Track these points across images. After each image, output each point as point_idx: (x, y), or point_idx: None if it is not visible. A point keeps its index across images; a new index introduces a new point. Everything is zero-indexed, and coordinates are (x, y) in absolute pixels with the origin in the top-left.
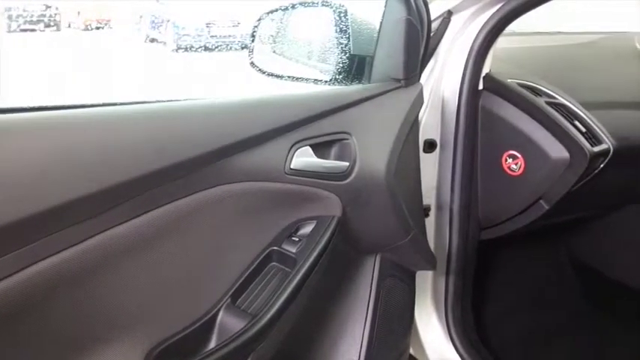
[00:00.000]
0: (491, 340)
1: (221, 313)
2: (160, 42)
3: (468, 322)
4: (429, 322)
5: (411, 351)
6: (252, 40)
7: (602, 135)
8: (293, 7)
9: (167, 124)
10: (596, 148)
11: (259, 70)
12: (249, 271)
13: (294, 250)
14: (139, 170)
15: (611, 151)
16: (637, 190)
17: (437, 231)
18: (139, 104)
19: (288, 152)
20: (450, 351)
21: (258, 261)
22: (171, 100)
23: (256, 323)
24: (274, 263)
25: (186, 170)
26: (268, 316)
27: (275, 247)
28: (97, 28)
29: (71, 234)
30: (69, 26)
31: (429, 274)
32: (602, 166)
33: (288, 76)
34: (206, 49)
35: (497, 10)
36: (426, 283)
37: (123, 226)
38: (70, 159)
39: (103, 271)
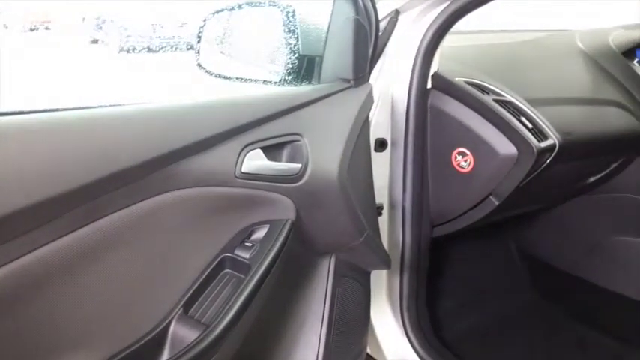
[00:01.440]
0: (447, 335)
1: (173, 324)
2: (104, 43)
3: (423, 318)
4: (385, 321)
5: (369, 350)
6: (199, 41)
7: (548, 131)
8: (239, 7)
9: (111, 130)
10: (543, 144)
11: (207, 71)
12: (202, 279)
13: (247, 256)
14: (82, 179)
15: (557, 146)
16: (581, 183)
17: (390, 229)
18: (80, 109)
19: (239, 156)
20: (406, 348)
21: (210, 268)
22: (116, 105)
23: (210, 333)
24: (227, 270)
25: (133, 177)
26: (222, 325)
27: (228, 254)
28: (33, 30)
29: (9, 249)
30: (6, 27)
31: (384, 272)
32: (548, 161)
33: (237, 77)
34: (151, 50)
35: (444, 10)
36: (381, 282)
37: (67, 238)
38: (6, 170)
39: (46, 286)
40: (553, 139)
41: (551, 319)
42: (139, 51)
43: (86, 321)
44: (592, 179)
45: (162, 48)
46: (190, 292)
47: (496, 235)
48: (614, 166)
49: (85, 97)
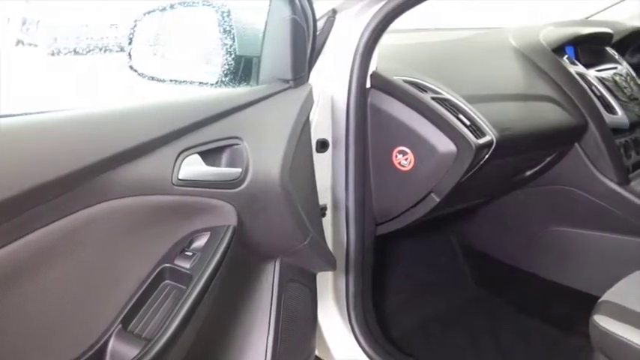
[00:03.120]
0: (394, 331)
1: (112, 341)
2: (31, 45)
3: (370, 316)
4: (332, 322)
5: (317, 352)
6: (130, 43)
7: (486, 127)
8: (172, 7)
9: (39, 138)
10: (481, 140)
11: (140, 74)
12: (141, 292)
13: (188, 266)
14: (8, 192)
15: (494, 142)
16: (518, 176)
17: (334, 230)
18: (3, 117)
19: (175, 162)
20: (354, 348)
21: (149, 280)
22: (41, 112)
23: (151, 348)
24: (167, 281)
25: (64, 188)
26: (164, 339)
27: (167, 264)
28: None
29: None
30: None
31: (330, 273)
32: (486, 156)
33: (172, 80)
34: (82, 51)
35: (380, 9)
36: (326, 283)
37: None
38: None
39: None
40: (490, 135)
41: (493, 310)
42: (67, 53)
43: (19, 340)
44: (528, 173)
45: (91, 50)
46: (129, 306)
47: (438, 230)
48: (548, 159)
49: (7, 104)
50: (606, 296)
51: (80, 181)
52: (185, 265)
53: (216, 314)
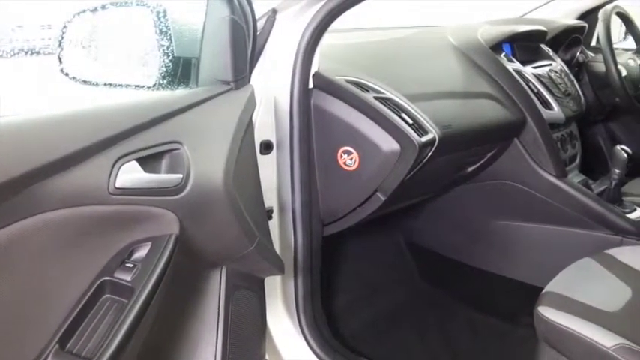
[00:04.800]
0: (344, 331)
1: None
2: None
3: (319, 318)
4: (282, 325)
5: (267, 357)
6: (60, 45)
7: (428, 125)
8: (103, 7)
9: None
10: (424, 138)
11: (72, 77)
12: (79, 308)
13: (129, 278)
14: None
15: (437, 139)
16: (461, 172)
17: (281, 233)
18: None
19: (112, 170)
20: (304, 350)
21: (88, 295)
22: None
23: None
24: (108, 295)
25: None
26: (106, 356)
27: (107, 277)
28: None
29: None
30: None
31: (278, 277)
32: (430, 154)
33: (106, 83)
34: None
35: (321, 8)
36: (275, 287)
37: None
38: None
39: None
40: (433, 133)
41: (441, 305)
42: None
43: None
44: (470, 169)
45: (17, 53)
46: (67, 323)
47: (384, 228)
48: (489, 155)
49: None
50: (549, 287)
51: (7, 194)
52: (126, 277)
53: (160, 327)
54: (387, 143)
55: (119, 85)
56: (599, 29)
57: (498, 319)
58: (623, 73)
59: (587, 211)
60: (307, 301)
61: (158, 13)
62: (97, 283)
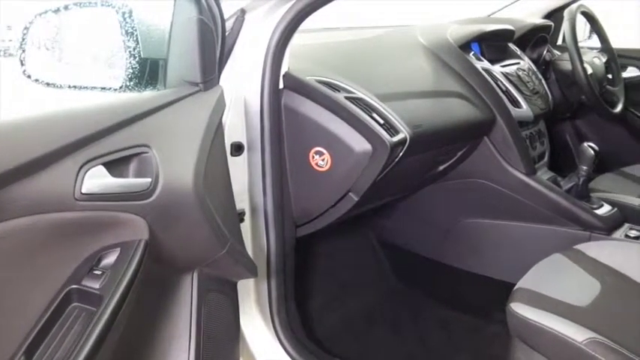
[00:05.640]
0: (318, 332)
1: None
2: None
3: (293, 320)
4: (256, 328)
5: None
6: (22, 47)
7: (399, 125)
8: (66, 8)
9: None
10: (395, 138)
11: (35, 80)
12: (46, 318)
13: (97, 286)
14: None
15: (408, 139)
16: (432, 171)
17: (253, 235)
18: None
19: (77, 175)
20: (279, 353)
21: (55, 305)
22: None
23: None
24: (75, 304)
25: None
26: None
27: (74, 285)
28: None
29: None
30: None
31: (251, 280)
32: (401, 154)
33: (71, 86)
34: None
35: (290, 8)
36: (248, 290)
37: None
38: None
39: None
40: (404, 132)
41: (414, 303)
42: None
43: None
44: (441, 167)
45: None
46: (33, 334)
47: (357, 227)
48: (460, 153)
49: None
50: (521, 284)
51: None
52: (94, 285)
53: (131, 335)
54: (359, 143)
55: (85, 87)
56: (565, 28)
57: (471, 316)
58: (589, 71)
59: (557, 207)
60: (281, 303)
61: (124, 13)
62: (64, 292)
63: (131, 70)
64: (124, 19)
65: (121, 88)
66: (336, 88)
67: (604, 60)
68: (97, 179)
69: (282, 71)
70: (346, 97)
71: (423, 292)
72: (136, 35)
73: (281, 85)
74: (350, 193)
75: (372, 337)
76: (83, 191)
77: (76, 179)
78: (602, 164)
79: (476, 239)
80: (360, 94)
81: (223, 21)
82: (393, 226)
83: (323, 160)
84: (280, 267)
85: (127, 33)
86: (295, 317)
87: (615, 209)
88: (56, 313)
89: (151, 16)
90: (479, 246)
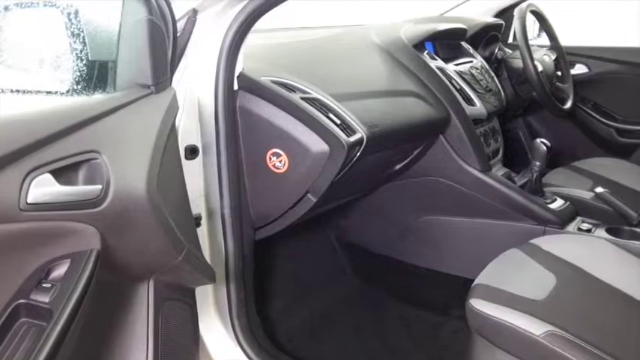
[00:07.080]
0: (280, 335)
1: None
2: None
3: (254, 324)
4: (215, 334)
5: None
6: None
7: (355, 125)
8: (6, 8)
9: None
10: (352, 138)
11: None
12: None
13: (47, 300)
14: None
15: (365, 139)
16: (389, 170)
17: (211, 240)
18: None
19: (22, 184)
20: (240, 358)
21: (1, 321)
22: None
23: None
24: (24, 319)
25: None
26: None
27: (22, 300)
28: None
29: None
30: None
31: (210, 285)
32: (358, 154)
33: (13, 90)
34: None
35: (243, 8)
36: (207, 295)
37: None
38: None
39: None
40: (360, 132)
41: (374, 302)
42: None
43: None
44: (398, 166)
45: None
46: None
47: (316, 227)
48: (416, 152)
49: None
50: (479, 279)
51: None
52: (43, 298)
53: (85, 349)
54: (316, 144)
55: (29, 91)
56: (516, 26)
57: (431, 312)
58: (540, 68)
59: (512, 203)
60: (241, 308)
61: (69, 14)
62: (11, 307)
63: (78, 73)
64: (70, 19)
65: (68, 91)
66: (291, 88)
67: (553, 57)
68: (44, 188)
69: (237, 72)
70: (302, 98)
71: (383, 290)
72: (83, 37)
73: (236, 87)
74: (308, 194)
75: (333, 338)
76: (29, 201)
77: (20, 189)
78: (554, 159)
79: (434, 236)
80: (315, 95)
81: (174, 21)
82: (352, 225)
83: (280, 161)
84: (239, 271)
85: (73, 34)
86: (256, 321)
87: (568, 203)
88: (3, 330)
89: (99, 17)
90: (437, 243)
